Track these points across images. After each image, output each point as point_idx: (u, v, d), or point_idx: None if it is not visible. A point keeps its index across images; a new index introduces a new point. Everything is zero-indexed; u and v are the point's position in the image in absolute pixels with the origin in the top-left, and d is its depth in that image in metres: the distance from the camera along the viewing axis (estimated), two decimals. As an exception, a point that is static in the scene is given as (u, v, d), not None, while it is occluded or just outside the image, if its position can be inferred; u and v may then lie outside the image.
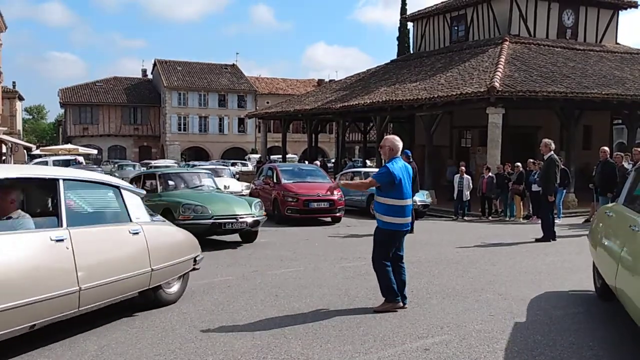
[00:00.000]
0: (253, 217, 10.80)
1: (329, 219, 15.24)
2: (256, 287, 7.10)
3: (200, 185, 12.40)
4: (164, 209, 10.39)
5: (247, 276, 7.81)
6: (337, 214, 15.09)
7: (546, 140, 11.42)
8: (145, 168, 32.62)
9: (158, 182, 11.92)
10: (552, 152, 11.22)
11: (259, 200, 11.67)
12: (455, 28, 27.16)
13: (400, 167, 5.94)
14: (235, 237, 11.37)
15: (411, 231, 6.92)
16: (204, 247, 9.73)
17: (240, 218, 10.59)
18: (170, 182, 12.27)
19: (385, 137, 6.32)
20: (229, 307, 6.15)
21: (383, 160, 6.11)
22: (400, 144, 6.09)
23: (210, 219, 10.33)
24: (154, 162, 39.70)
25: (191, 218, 10.23)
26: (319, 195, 14.30)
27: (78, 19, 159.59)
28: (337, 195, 14.40)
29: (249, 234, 11.18)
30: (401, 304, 5.93)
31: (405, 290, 6.04)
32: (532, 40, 24.01)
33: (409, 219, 6.03)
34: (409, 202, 6.00)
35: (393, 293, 5.90)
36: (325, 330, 5.25)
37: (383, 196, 5.93)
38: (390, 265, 5.91)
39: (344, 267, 8.54)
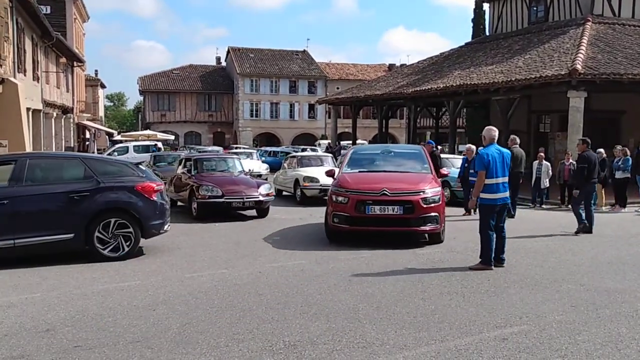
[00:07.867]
0: None
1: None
2: (329, 272, 7.15)
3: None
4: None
5: (319, 261, 7.88)
6: (426, 227, 8.81)
7: (583, 138, 11.82)
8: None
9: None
10: (588, 150, 10.85)
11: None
12: (534, 8, 26.15)
13: (492, 152, 7.40)
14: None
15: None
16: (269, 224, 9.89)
17: None
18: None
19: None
20: (304, 290, 6.24)
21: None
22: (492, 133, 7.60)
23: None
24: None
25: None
26: (384, 193, 8.64)
27: (166, 9, 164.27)
28: (429, 191, 8.85)
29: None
30: (492, 267, 7.24)
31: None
32: (617, 21, 22.77)
33: (502, 195, 7.39)
34: (499, 180, 7.34)
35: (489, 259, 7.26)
36: (400, 316, 5.23)
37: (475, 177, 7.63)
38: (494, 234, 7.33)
39: (417, 253, 8.46)
